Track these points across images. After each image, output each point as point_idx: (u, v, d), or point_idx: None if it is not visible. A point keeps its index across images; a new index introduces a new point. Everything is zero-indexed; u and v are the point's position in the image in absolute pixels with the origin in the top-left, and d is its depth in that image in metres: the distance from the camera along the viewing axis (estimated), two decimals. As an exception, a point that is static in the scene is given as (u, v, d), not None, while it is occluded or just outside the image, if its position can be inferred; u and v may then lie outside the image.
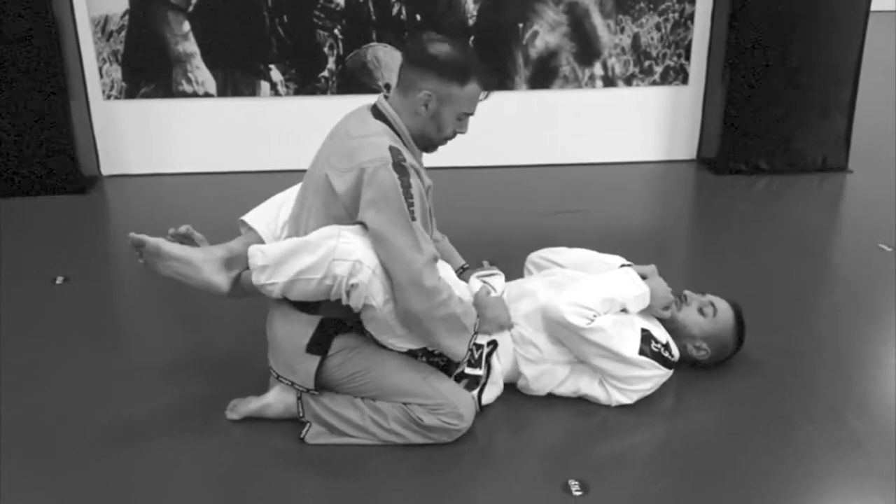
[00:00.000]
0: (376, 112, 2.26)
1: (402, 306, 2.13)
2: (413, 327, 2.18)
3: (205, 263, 2.27)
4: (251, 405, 2.36)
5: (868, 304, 3.02)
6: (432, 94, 2.19)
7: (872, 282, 3.18)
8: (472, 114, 2.27)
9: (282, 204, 2.46)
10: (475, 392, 2.33)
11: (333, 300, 2.16)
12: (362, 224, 2.14)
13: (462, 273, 2.60)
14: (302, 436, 2.28)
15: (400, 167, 2.11)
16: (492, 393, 2.38)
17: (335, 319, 2.24)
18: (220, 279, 2.28)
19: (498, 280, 2.58)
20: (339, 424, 2.27)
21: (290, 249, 2.17)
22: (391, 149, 2.13)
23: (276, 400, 2.34)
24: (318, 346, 2.23)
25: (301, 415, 2.31)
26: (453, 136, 2.30)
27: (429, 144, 2.31)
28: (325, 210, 2.21)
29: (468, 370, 2.34)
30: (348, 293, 2.12)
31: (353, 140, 2.20)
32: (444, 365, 2.33)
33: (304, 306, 2.23)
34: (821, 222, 3.89)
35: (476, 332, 2.29)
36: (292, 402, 2.32)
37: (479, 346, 2.37)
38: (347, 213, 2.17)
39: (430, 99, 2.20)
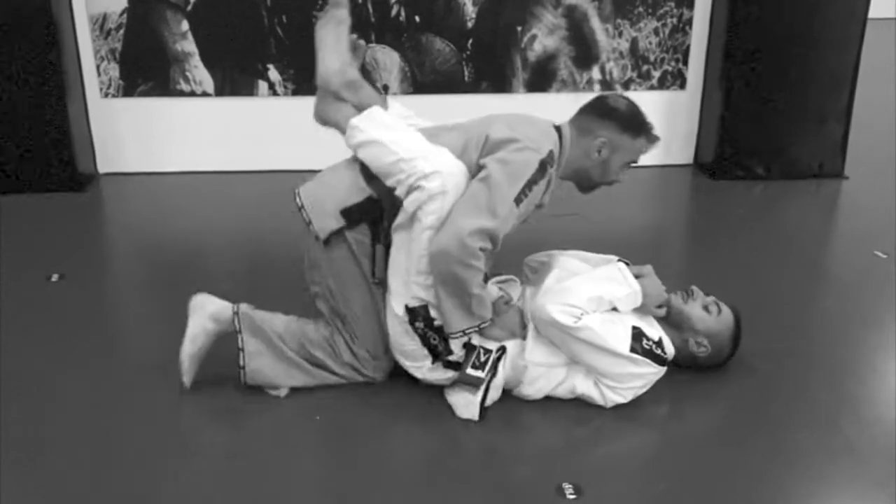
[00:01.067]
0: (556, 128, 2.44)
1: (439, 245, 2.21)
2: (433, 267, 2.24)
3: (340, 63, 2.44)
4: (184, 348, 2.41)
5: (863, 311, 3.03)
6: (608, 141, 2.41)
7: (867, 288, 3.19)
8: (635, 163, 2.49)
9: (411, 116, 2.56)
10: (478, 397, 2.33)
11: (388, 184, 2.29)
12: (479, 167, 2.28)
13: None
14: (243, 380, 2.40)
15: (544, 166, 2.30)
16: (491, 398, 2.38)
17: (379, 204, 2.34)
18: (335, 82, 2.44)
19: (514, 287, 2.59)
20: (274, 339, 2.40)
21: (401, 127, 2.36)
22: (551, 152, 2.32)
23: (200, 326, 2.41)
24: (351, 216, 2.36)
25: (238, 329, 2.40)
26: (611, 183, 2.51)
27: (589, 186, 2.53)
28: (458, 140, 2.33)
29: (470, 371, 2.35)
30: (409, 191, 2.24)
31: (529, 122, 2.42)
32: (434, 347, 2.34)
33: (366, 172, 2.36)
34: (816, 228, 3.90)
35: (480, 326, 2.31)
36: (220, 317, 2.42)
37: (488, 351, 2.37)
38: (478, 151, 2.31)
39: (604, 146, 2.41)
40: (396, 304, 2.35)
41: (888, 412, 2.44)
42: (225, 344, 2.44)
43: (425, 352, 2.36)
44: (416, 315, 2.33)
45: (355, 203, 2.36)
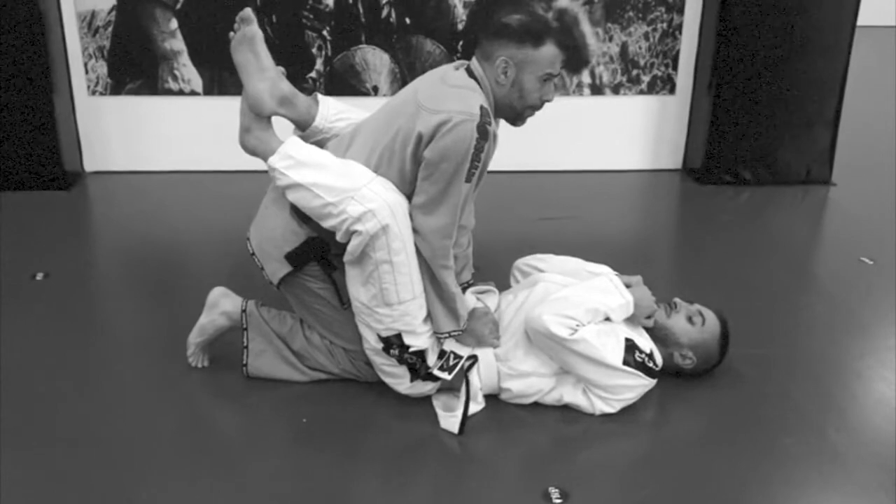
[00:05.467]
0: (470, 72, 2.28)
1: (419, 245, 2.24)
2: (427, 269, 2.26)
3: (269, 81, 2.35)
4: (192, 336, 2.53)
5: (849, 317, 3.04)
6: (509, 60, 2.22)
7: (854, 294, 3.20)
8: (555, 74, 2.26)
9: (347, 110, 2.49)
10: (459, 412, 2.33)
11: (325, 227, 2.23)
12: (421, 163, 2.19)
13: (464, 289, 2.58)
14: (245, 374, 2.49)
15: (483, 129, 2.15)
16: (472, 409, 2.37)
17: (321, 241, 2.29)
18: (269, 103, 2.35)
19: (492, 298, 2.56)
20: (276, 340, 2.46)
21: (322, 161, 2.25)
22: (482, 108, 2.17)
23: (210, 321, 2.51)
24: (296, 259, 2.32)
25: (244, 327, 2.47)
26: (540, 104, 2.32)
27: (515, 116, 2.33)
28: (386, 133, 2.23)
29: (437, 372, 2.35)
30: (348, 236, 2.19)
31: (447, 87, 2.23)
32: (413, 364, 2.33)
33: (299, 212, 2.29)
34: (803, 234, 3.92)
35: (459, 330, 2.32)
36: (232, 315, 2.49)
37: (458, 357, 2.37)
38: (410, 147, 2.18)
39: (507, 66, 2.23)
40: (368, 336, 2.33)
41: (874, 418, 2.45)
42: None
43: (404, 369, 2.35)
44: (391, 343, 2.31)
45: (295, 248, 2.31)
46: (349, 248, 2.21)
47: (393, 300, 2.24)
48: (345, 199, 2.17)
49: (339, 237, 2.22)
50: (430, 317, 2.32)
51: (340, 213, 2.18)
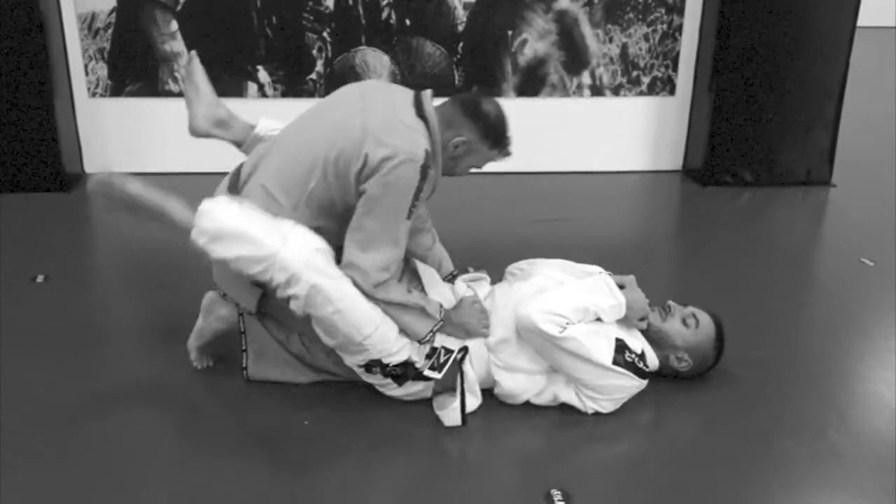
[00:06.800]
0: (419, 109, 2.32)
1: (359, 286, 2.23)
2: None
3: (205, 107, 2.68)
4: (191, 340, 2.56)
5: (849, 318, 3.04)
6: (467, 142, 2.34)
7: (854, 296, 3.20)
8: (479, 169, 2.45)
9: (274, 129, 2.63)
10: (456, 404, 2.33)
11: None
12: (360, 196, 2.22)
13: (452, 279, 2.61)
14: (245, 378, 2.49)
15: (425, 171, 2.22)
16: (471, 402, 2.37)
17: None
18: (203, 125, 2.68)
19: (483, 286, 2.57)
20: (274, 344, 2.46)
21: (235, 229, 2.19)
22: (427, 153, 2.24)
23: (207, 325, 2.53)
24: (262, 284, 2.28)
25: (242, 330, 2.47)
26: (451, 175, 2.44)
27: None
28: (327, 149, 2.24)
29: (427, 372, 2.35)
30: (284, 299, 2.20)
31: (397, 121, 2.27)
32: (402, 374, 2.34)
33: None
34: (804, 235, 3.92)
35: (439, 324, 2.33)
36: (229, 319, 2.50)
37: (449, 351, 2.36)
38: (355, 168, 2.20)
39: (462, 145, 2.34)
40: (348, 360, 2.34)
41: (873, 419, 2.45)
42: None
43: (389, 379, 2.36)
44: (371, 366, 2.32)
45: (255, 278, 2.27)
46: (292, 307, 2.21)
47: (358, 339, 2.24)
48: (267, 267, 2.16)
49: (279, 296, 2.21)
50: (402, 330, 2.31)
51: (270, 279, 2.18)
